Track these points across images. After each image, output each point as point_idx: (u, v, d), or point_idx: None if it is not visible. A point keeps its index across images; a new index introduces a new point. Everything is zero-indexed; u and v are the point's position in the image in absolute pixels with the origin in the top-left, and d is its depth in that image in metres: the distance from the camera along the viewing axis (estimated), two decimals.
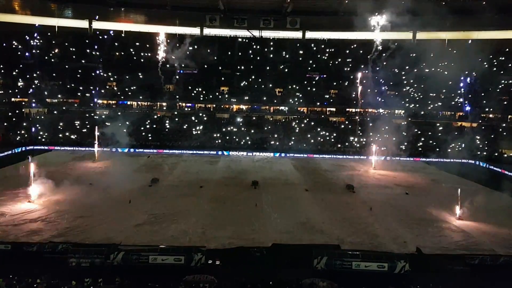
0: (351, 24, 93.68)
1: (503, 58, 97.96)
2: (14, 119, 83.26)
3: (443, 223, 41.32)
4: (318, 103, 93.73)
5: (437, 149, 79.75)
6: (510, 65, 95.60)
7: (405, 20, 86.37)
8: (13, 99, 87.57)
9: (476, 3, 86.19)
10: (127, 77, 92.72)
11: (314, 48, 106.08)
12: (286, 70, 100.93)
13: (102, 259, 29.53)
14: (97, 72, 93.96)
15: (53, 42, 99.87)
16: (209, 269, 28.83)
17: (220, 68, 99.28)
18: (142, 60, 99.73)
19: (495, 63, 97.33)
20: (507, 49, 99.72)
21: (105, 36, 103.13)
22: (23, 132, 80.00)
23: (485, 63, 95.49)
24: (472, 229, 39.59)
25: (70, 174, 57.66)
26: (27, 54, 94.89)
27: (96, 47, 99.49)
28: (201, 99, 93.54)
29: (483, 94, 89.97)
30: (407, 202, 49.43)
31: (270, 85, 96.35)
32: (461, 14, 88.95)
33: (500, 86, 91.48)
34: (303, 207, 45.76)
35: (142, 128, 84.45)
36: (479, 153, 78.29)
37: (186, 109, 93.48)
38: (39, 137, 79.76)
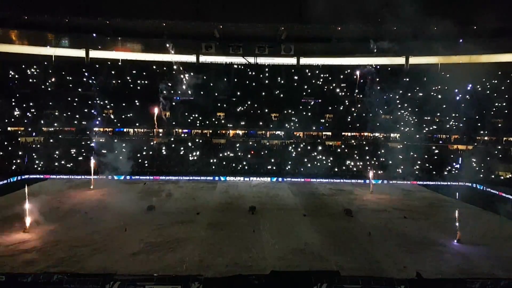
0: (344, 50, 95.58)
1: (495, 81, 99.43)
2: (9, 148, 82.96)
3: (442, 247, 41.03)
4: (314, 128, 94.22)
5: (433, 172, 79.85)
6: (503, 87, 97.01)
7: (397, 46, 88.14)
8: (9, 128, 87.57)
9: (468, 27, 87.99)
10: (124, 104, 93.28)
11: (309, 74, 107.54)
12: (282, 95, 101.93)
13: None
14: (94, 100, 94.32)
15: (50, 71, 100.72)
16: None
17: (216, 94, 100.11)
18: (138, 88, 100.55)
19: (489, 86, 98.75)
20: (500, 72, 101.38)
21: (102, 65, 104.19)
22: (18, 161, 79.64)
23: (478, 86, 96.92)
24: (471, 253, 39.33)
25: (66, 203, 57.31)
26: (23, 83, 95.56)
27: (93, 75, 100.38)
28: (198, 125, 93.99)
29: (477, 117, 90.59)
30: (405, 226, 49.19)
31: (266, 110, 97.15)
32: (453, 38, 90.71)
33: (494, 109, 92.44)
34: (301, 232, 45.42)
35: (139, 155, 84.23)
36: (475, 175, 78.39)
37: (182, 135, 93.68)
38: (35, 166, 79.35)
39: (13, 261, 35.01)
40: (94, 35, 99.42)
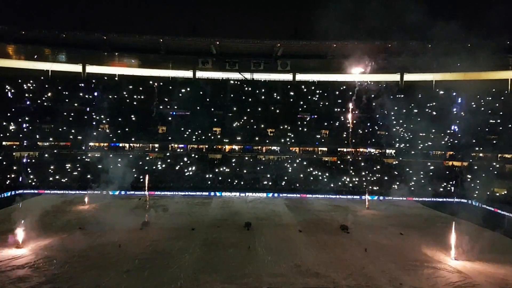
0: (339, 67, 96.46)
1: (490, 98, 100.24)
2: (4, 162, 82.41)
3: (438, 264, 40.77)
4: (310, 143, 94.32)
5: (429, 189, 79.87)
6: (497, 104, 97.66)
7: (392, 63, 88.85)
8: (4, 143, 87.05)
9: (462, 45, 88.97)
10: (120, 119, 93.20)
11: (305, 90, 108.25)
12: (278, 111, 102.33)
13: None
14: (90, 115, 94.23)
15: (46, 86, 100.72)
16: None
17: (212, 109, 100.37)
18: (135, 103, 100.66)
19: (483, 103, 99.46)
20: (494, 89, 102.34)
21: (99, 80, 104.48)
22: (13, 176, 78.99)
23: (473, 103, 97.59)
24: (468, 270, 39.08)
25: (60, 218, 56.74)
26: (19, 97, 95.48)
27: (89, 90, 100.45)
28: (194, 140, 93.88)
29: (472, 133, 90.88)
30: (401, 242, 48.96)
31: (262, 126, 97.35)
32: (448, 56, 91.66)
33: (488, 126, 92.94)
34: (297, 248, 45.06)
35: (134, 170, 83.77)
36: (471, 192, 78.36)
37: (178, 150, 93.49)
38: (29, 181, 78.58)
39: (5, 277, 34.40)
40: (91, 50, 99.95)
